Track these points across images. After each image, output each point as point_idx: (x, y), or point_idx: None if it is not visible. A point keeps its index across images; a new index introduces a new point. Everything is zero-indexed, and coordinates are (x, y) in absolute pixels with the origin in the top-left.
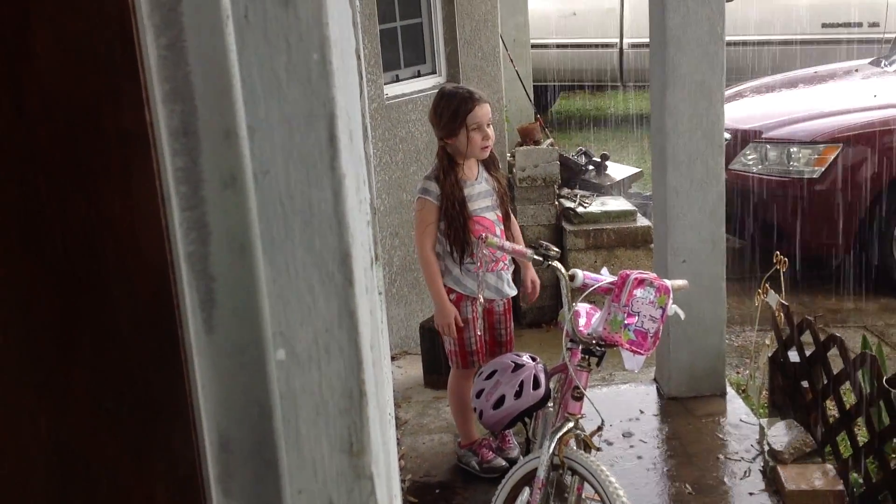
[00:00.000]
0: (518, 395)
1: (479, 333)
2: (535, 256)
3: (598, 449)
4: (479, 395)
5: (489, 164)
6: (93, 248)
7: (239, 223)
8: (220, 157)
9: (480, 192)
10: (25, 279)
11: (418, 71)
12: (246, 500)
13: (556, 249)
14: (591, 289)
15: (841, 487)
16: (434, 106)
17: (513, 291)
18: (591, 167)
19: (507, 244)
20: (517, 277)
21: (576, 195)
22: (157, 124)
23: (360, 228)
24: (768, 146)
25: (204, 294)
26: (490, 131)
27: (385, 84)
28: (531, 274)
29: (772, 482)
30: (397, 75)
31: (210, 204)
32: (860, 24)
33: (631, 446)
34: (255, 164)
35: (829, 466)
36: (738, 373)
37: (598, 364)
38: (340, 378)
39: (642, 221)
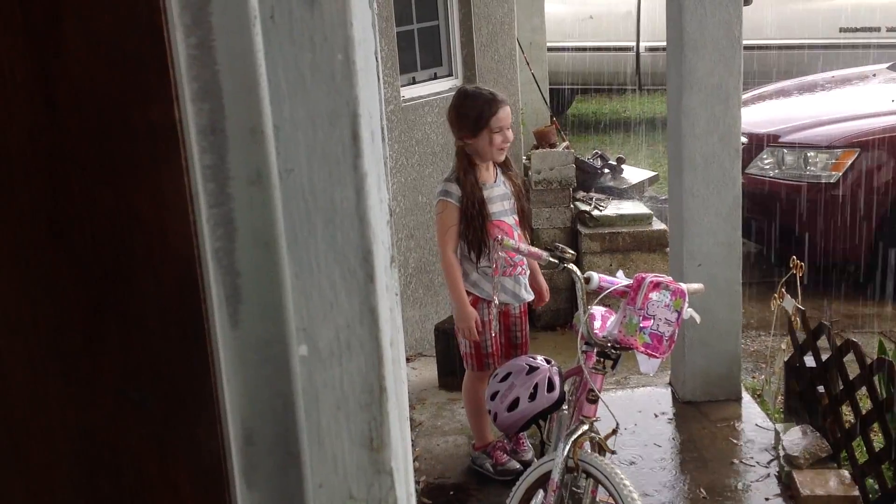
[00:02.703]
0: (532, 397)
1: (493, 335)
2: (551, 259)
3: (613, 452)
4: (493, 397)
5: (504, 165)
6: (121, 241)
7: (264, 220)
8: (247, 155)
9: (499, 195)
10: (54, 271)
11: (435, 73)
12: (268, 492)
13: (572, 252)
14: (606, 291)
15: (856, 493)
16: (456, 106)
17: (530, 296)
18: (606, 170)
19: (523, 246)
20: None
21: (591, 198)
22: (185, 121)
23: (380, 227)
24: (785, 150)
25: (230, 289)
26: (510, 134)
27: (402, 86)
28: (541, 281)
29: (787, 487)
30: (414, 77)
31: (237, 201)
32: (878, 29)
33: (645, 450)
34: (280, 161)
35: (845, 472)
36: (753, 377)
37: (613, 367)
38: (361, 374)
39: (658, 225)
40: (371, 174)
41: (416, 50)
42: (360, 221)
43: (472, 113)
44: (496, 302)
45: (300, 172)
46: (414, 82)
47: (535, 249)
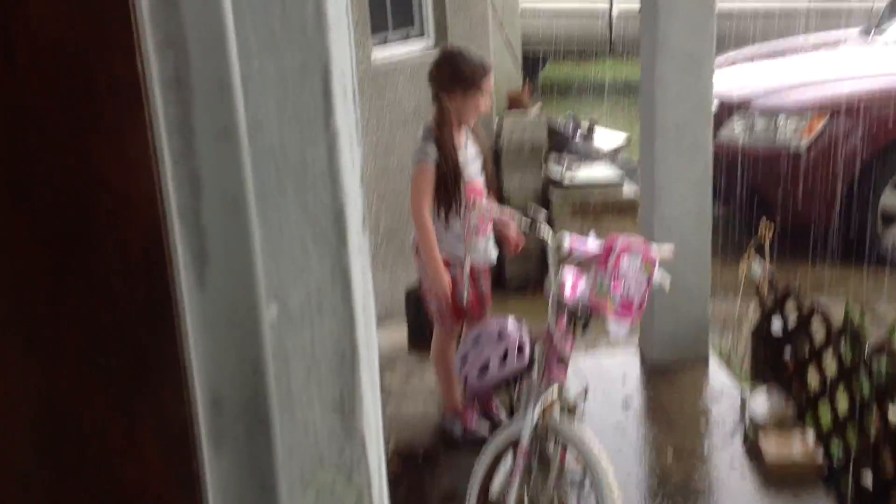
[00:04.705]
0: (503, 361)
1: (465, 294)
2: (523, 220)
3: (582, 415)
4: (464, 360)
5: (472, 129)
6: (83, 200)
7: (232, 177)
8: (214, 109)
9: (469, 157)
10: (13, 232)
11: (407, 34)
12: (237, 459)
13: (545, 210)
14: (577, 254)
15: (820, 456)
16: (449, 62)
17: (495, 253)
18: (578, 134)
19: (496, 209)
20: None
21: (563, 162)
22: (149, 74)
23: (352, 187)
24: (756, 116)
25: (196, 249)
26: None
27: (373, 46)
28: (512, 231)
29: (752, 450)
30: (385, 38)
31: (203, 157)
32: None
33: (614, 413)
34: (249, 117)
35: (810, 435)
36: (721, 341)
37: (583, 331)
38: (333, 337)
39: (629, 189)
40: (343, 133)
41: (388, 10)
42: (332, 181)
43: (467, 71)
44: (467, 270)
45: (270, 129)
46: (385, 42)
47: (507, 212)
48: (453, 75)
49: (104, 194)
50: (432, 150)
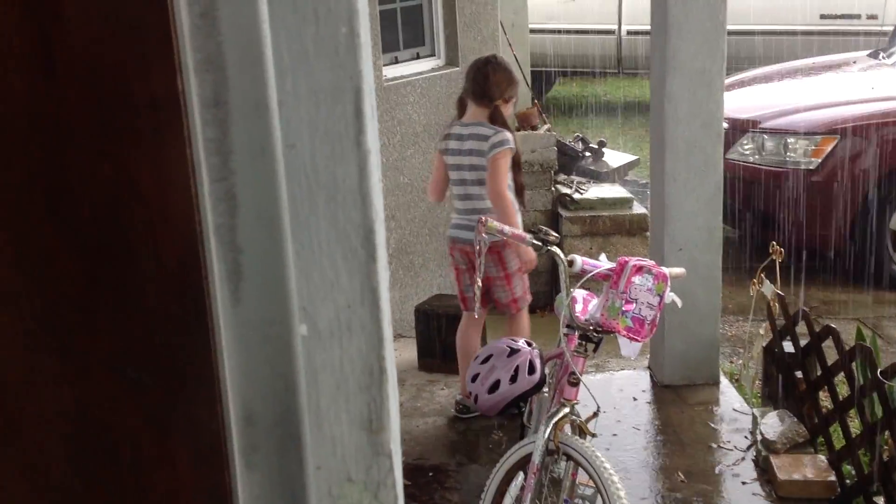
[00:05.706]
0: (513, 379)
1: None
2: (535, 241)
3: (594, 435)
4: (474, 379)
5: None
6: (120, 215)
7: (267, 196)
8: (251, 129)
9: None
10: (50, 245)
11: (417, 53)
12: (268, 474)
13: (556, 234)
14: (589, 275)
15: (833, 478)
16: (506, 70)
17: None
18: (588, 154)
19: (507, 228)
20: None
21: (572, 181)
22: (188, 93)
23: (381, 205)
24: (765, 136)
25: (232, 266)
26: None
27: (384, 66)
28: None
29: (764, 471)
30: (396, 57)
31: (240, 175)
32: (858, 16)
33: (624, 433)
34: (282, 136)
35: (822, 457)
36: (731, 362)
37: (594, 350)
38: (361, 354)
39: (638, 209)
40: (373, 151)
41: (399, 29)
42: (362, 199)
43: (516, 80)
44: (479, 284)
45: (302, 148)
46: (396, 62)
47: (518, 231)
48: (513, 84)
49: (141, 209)
50: (511, 137)
